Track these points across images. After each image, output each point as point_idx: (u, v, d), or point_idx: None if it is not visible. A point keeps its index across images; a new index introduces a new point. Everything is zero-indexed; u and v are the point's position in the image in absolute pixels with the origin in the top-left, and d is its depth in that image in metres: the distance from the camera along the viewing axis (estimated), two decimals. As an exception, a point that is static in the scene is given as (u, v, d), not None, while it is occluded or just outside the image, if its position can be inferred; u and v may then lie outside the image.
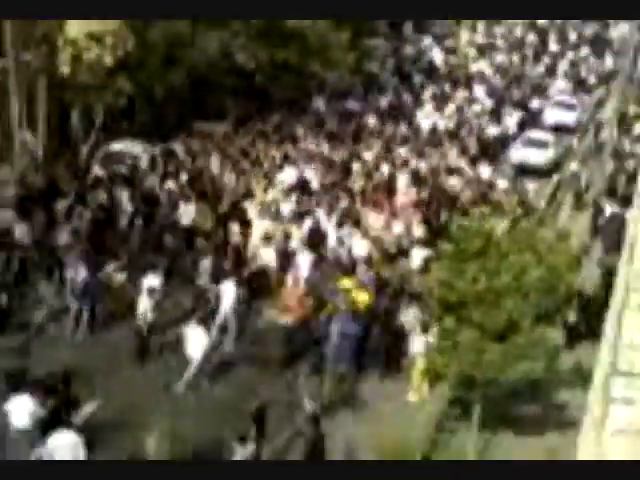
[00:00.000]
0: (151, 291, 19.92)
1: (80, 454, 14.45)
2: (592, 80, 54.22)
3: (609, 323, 9.16)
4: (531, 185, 33.40)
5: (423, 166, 32.46)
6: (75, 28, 27.73)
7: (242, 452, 15.05)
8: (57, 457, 14.34)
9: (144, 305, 19.85)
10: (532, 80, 52.32)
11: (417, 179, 30.61)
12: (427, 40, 58.46)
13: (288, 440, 17.18)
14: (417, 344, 19.22)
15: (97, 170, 28.09)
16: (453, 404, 18.56)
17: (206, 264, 22.13)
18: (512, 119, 42.69)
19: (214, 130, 34.48)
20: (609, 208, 29.29)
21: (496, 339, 16.37)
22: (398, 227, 26.09)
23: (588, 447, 8.12)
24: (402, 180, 30.34)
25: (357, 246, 24.30)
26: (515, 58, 57.80)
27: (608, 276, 21.06)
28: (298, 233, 24.60)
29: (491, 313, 16.33)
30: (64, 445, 14.40)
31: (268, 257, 23.40)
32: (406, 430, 16.99)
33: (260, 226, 24.64)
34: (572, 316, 21.66)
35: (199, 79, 33.64)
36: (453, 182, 30.98)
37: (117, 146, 30.27)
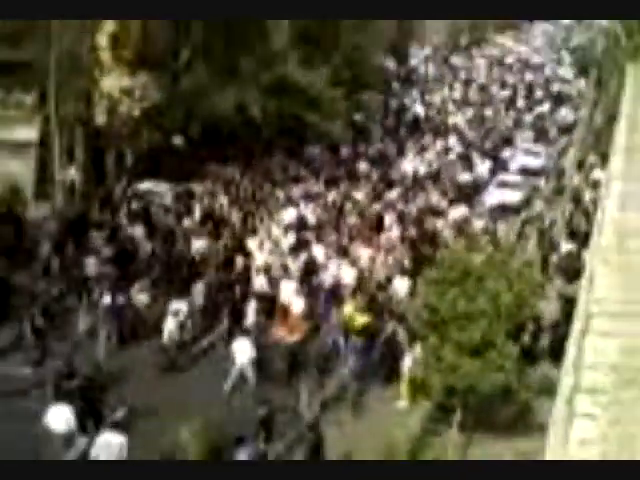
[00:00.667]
0: (176, 313, 20.16)
1: (123, 453, 14.63)
2: (554, 132, 54.71)
3: (571, 346, 9.36)
4: (501, 225, 33.52)
5: (408, 207, 32.73)
6: (108, 82, 28.20)
7: (243, 451, 15.19)
8: (103, 457, 14.47)
9: (170, 325, 20.07)
10: (502, 132, 52.76)
11: (402, 219, 30.88)
12: (414, 92, 59.08)
13: (291, 443, 17.29)
14: (407, 359, 19.53)
15: (127, 206, 28.44)
16: (437, 410, 18.83)
17: (199, 287, 22.56)
18: (484, 166, 43.01)
19: (225, 173, 34.81)
20: (565, 245, 29.56)
21: (472, 354, 16.63)
22: (386, 259, 26.30)
23: (554, 457, 8.26)
24: (389, 219, 30.61)
25: (346, 276, 24.54)
26: (487, 112, 58.33)
27: (567, 305, 21.37)
28: (295, 265, 24.85)
29: (468, 331, 16.59)
30: (109, 445, 14.55)
31: (265, 286, 23.57)
32: (396, 431, 17.16)
33: (261, 259, 24.95)
34: (527, 337, 21.81)
35: (214, 128, 34.03)
36: (435, 222, 31.20)
37: (145, 185, 30.71)
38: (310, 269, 24.78)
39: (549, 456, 8.83)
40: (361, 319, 21.17)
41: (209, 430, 15.99)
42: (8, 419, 16.69)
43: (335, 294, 23.66)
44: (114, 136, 29.21)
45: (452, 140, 48.12)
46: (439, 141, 47.57)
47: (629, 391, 6.94)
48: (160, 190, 30.35)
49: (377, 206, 32.46)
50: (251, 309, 21.37)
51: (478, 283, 17.15)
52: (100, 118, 28.42)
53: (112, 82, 28.65)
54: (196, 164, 34.17)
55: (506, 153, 47.06)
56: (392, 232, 29.41)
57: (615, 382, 7.09)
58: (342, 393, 19.72)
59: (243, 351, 19.40)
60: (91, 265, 23.21)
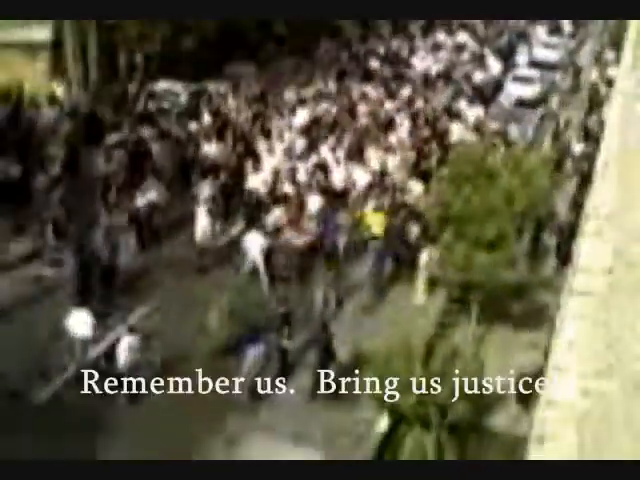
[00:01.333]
0: (210, 211, 20.86)
1: (135, 349, 15.45)
2: (569, 26, 53.49)
3: (576, 247, 9.72)
4: (514, 127, 33.09)
5: (422, 106, 32.43)
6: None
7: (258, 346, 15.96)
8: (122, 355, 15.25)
9: (202, 225, 20.64)
10: (516, 28, 51.64)
11: (415, 119, 30.68)
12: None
13: (306, 343, 17.75)
14: (423, 256, 20.00)
15: (144, 106, 28.59)
16: (453, 303, 19.40)
17: (205, 187, 22.83)
18: (497, 64, 42.25)
19: (241, 72, 34.58)
20: (578, 146, 29.49)
21: (487, 248, 17.17)
22: (399, 160, 26.35)
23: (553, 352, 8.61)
24: (400, 119, 30.43)
25: (360, 178, 24.77)
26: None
27: (577, 207, 21.68)
28: (305, 167, 24.95)
29: (483, 227, 17.09)
30: (132, 347, 15.26)
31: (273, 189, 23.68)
32: (414, 324, 17.76)
33: (271, 162, 24.96)
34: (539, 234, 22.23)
35: (227, 29, 33.71)
36: (448, 123, 30.93)
37: (160, 85, 30.82)
38: (321, 173, 24.90)
39: (551, 352, 9.24)
40: (378, 219, 21.58)
41: (233, 317, 16.84)
42: (31, 322, 17.22)
43: (345, 196, 23.97)
44: (125, 36, 29.11)
45: (464, 37, 47.28)
46: (451, 38, 46.79)
47: (619, 295, 7.29)
48: (175, 89, 30.48)
49: (389, 105, 32.20)
50: (274, 214, 21.74)
51: (492, 180, 17.42)
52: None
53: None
54: (209, 64, 33.93)
55: (521, 48, 46.33)
56: (403, 132, 29.26)
57: (607, 286, 7.43)
58: (359, 290, 20.25)
59: (255, 244, 19.91)
60: (103, 165, 23.43)
